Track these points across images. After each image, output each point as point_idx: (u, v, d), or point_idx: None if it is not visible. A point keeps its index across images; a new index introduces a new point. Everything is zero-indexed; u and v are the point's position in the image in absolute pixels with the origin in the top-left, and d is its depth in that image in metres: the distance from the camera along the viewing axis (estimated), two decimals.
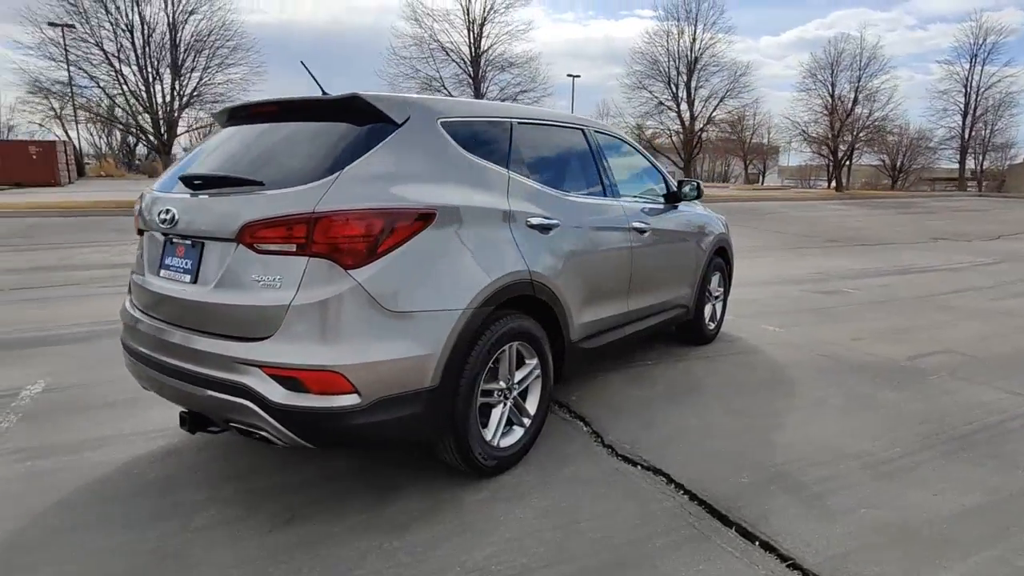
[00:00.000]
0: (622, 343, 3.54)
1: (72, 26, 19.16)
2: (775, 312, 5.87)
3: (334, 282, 2.02)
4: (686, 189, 4.05)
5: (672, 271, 4.03)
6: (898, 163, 42.37)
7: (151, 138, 21.67)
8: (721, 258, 4.73)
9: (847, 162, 34.70)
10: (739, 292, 6.70)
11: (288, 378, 2.02)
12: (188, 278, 2.27)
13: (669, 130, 27.00)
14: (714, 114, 26.12)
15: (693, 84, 25.61)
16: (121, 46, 19.72)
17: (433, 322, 2.19)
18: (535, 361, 2.74)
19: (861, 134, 31.80)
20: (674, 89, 25.85)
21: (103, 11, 19.08)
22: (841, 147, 31.84)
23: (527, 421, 2.74)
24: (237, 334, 2.11)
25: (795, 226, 15.51)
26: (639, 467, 2.72)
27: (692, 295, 4.30)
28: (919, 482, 2.59)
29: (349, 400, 2.03)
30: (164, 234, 2.39)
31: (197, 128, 22.26)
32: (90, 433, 3.04)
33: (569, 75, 52.56)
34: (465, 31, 22.51)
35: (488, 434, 2.52)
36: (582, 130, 3.40)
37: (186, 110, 21.99)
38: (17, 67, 19.24)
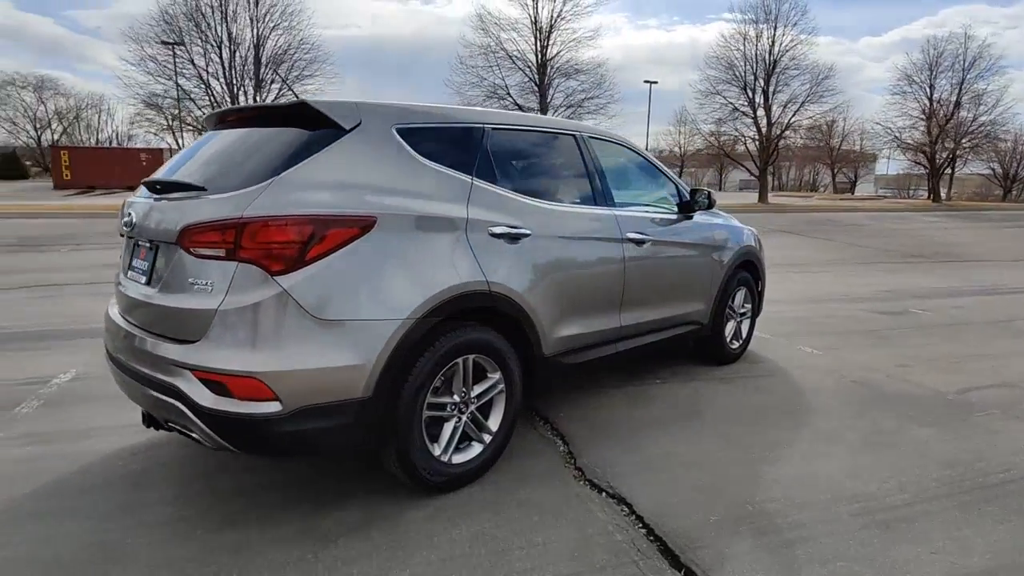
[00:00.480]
0: (617, 357, 3.36)
1: (181, 43, 20.74)
2: (821, 332, 5.43)
3: (260, 288, 2.01)
4: (699, 199, 3.81)
5: (681, 285, 3.79)
6: (1011, 172, 38.58)
7: None
8: (748, 273, 4.42)
9: (948, 171, 31.91)
10: (787, 309, 6.30)
11: (214, 382, 2.03)
12: (144, 279, 2.34)
13: (744, 137, 25.78)
14: (794, 120, 24.76)
15: (771, 89, 24.36)
16: (210, 61, 21.24)
17: (366, 332, 2.14)
18: (498, 375, 2.63)
19: (964, 140, 29.08)
20: (750, 94, 24.69)
21: (196, 30, 20.62)
22: (941, 154, 29.27)
23: (487, 437, 2.63)
24: (174, 336, 2.14)
25: (877, 239, 14.40)
26: (603, 494, 2.55)
27: (708, 311, 4.04)
28: (918, 536, 2.27)
29: (270, 407, 2.01)
30: (130, 237, 2.49)
31: None
32: (95, 423, 3.21)
33: (646, 81, 51.57)
34: (532, 38, 22.60)
35: (437, 449, 2.44)
36: (573, 136, 3.25)
37: None
38: (133, 82, 21.07)
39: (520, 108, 23.54)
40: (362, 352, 2.13)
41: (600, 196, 3.26)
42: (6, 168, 34.10)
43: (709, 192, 3.87)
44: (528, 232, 2.71)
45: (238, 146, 2.38)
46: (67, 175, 29.78)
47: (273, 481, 2.60)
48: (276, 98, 22.22)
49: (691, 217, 3.90)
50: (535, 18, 22.59)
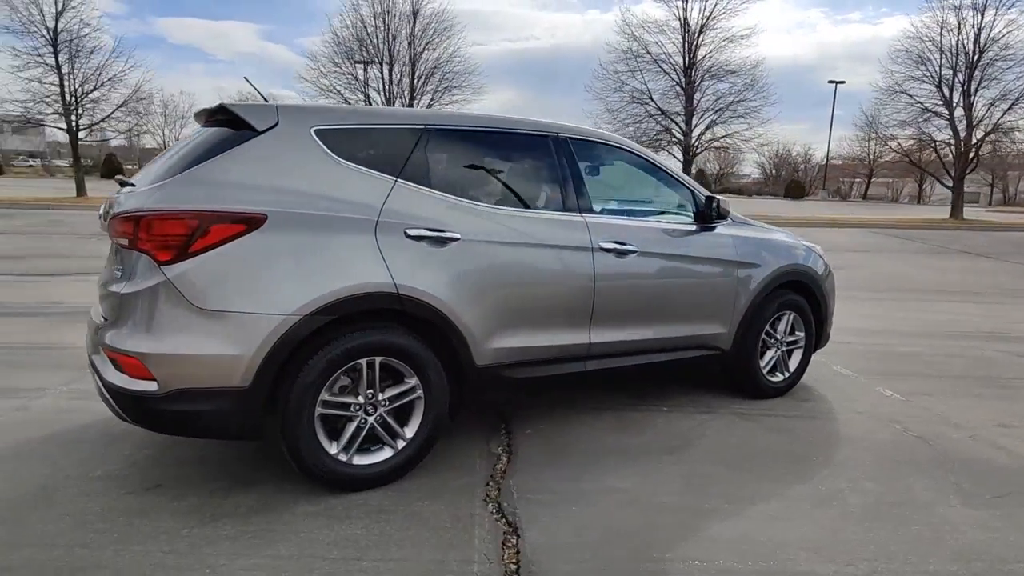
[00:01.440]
0: (589, 376, 3.10)
1: (373, 62, 23.00)
2: (924, 374, 4.52)
3: (149, 276, 2.18)
4: (712, 208, 3.38)
5: (686, 303, 3.38)
6: None
7: None
8: (800, 296, 3.82)
9: None
10: (897, 342, 5.39)
11: (113, 359, 2.24)
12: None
13: (934, 141, 21.86)
14: (1005, 120, 20.40)
15: (973, 85, 20.39)
16: (370, 76, 23.49)
17: (246, 325, 2.21)
18: (415, 381, 2.56)
19: None
20: (946, 91, 20.90)
21: (362, 50, 22.98)
22: None
23: (401, 444, 2.58)
24: (104, 317, 2.41)
25: None
26: (501, 520, 2.37)
27: (730, 335, 3.56)
28: None
29: (148, 386, 2.17)
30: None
31: None
32: None
33: (831, 81, 46.59)
34: (679, 39, 21.43)
35: (334, 447, 2.44)
36: (545, 137, 3.04)
37: None
38: (315, 96, 23.89)
39: (662, 112, 22.53)
40: (240, 343, 2.20)
41: (571, 202, 3.02)
42: None
43: (719, 201, 3.41)
44: (457, 236, 2.60)
45: (183, 145, 2.60)
46: None
47: (217, 455, 2.79)
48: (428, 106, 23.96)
49: (711, 228, 3.47)
50: (684, 19, 21.44)
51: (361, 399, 2.49)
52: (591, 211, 3.07)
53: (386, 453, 2.56)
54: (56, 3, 19.64)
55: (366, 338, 2.41)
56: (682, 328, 3.39)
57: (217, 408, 2.22)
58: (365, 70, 23.27)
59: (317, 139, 2.45)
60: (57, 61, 20.05)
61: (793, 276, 3.78)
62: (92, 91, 20.71)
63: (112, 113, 21.47)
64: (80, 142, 21.77)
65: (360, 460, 2.51)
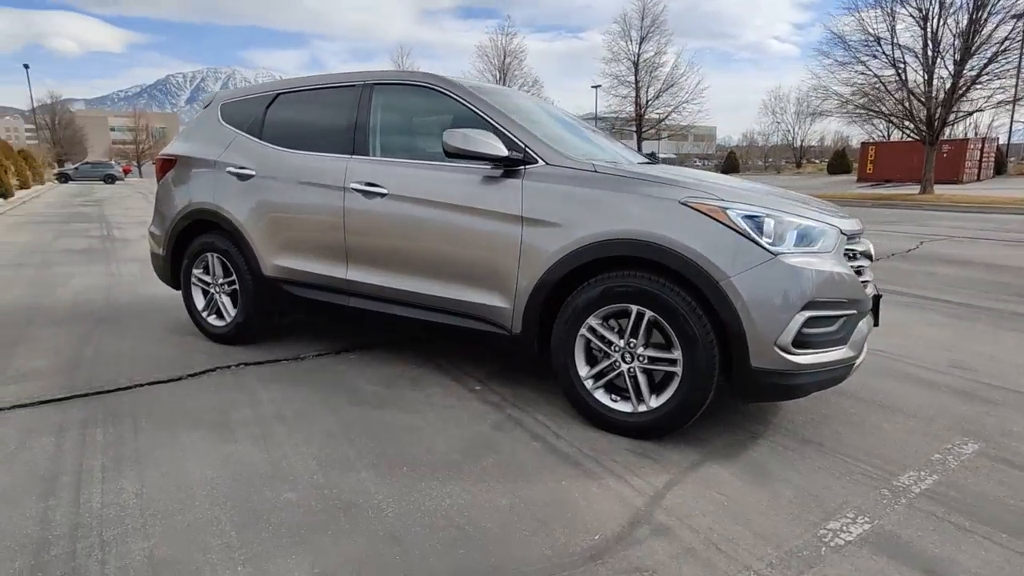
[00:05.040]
0: (354, 313, 3.24)
1: None
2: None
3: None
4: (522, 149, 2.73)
5: (452, 259, 2.86)
6: None
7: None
8: (669, 287, 2.41)
9: None
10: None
11: None
12: None
13: None
14: None
15: None
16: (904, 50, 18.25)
17: (163, 225, 3.92)
18: (233, 276, 3.66)
19: None
20: None
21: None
22: None
23: (228, 317, 3.73)
24: None
25: None
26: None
27: (515, 314, 2.73)
28: None
29: None
30: None
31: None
32: None
33: None
34: None
35: (211, 318, 3.85)
36: (356, 86, 3.25)
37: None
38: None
39: None
40: (163, 231, 3.93)
41: (355, 145, 3.19)
42: (837, 165, 39.43)
43: (527, 144, 2.74)
44: (252, 172, 3.47)
45: None
46: (870, 169, 31.80)
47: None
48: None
49: (515, 175, 2.73)
50: None
51: (210, 280, 3.80)
52: (365, 154, 3.16)
53: (226, 320, 3.77)
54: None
55: (205, 239, 3.71)
56: (450, 289, 2.90)
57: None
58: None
59: (219, 111, 3.85)
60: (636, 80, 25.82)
61: (638, 251, 2.41)
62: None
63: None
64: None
65: (216, 322, 3.83)
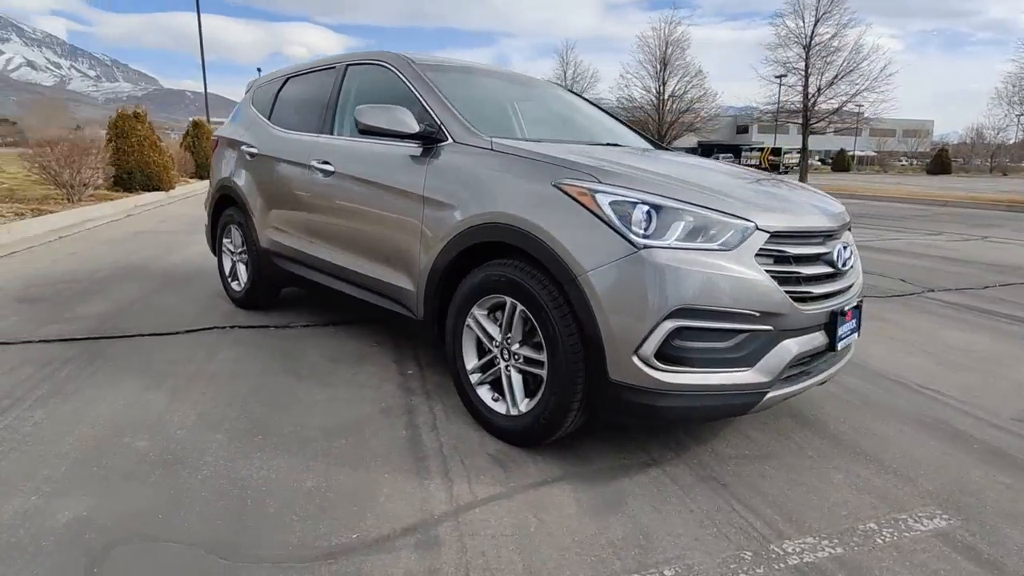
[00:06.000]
0: (336, 295, 3.34)
1: None
2: None
3: None
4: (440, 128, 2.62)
5: (373, 238, 2.84)
6: None
7: None
8: (535, 276, 2.16)
9: None
10: None
11: None
12: None
13: None
14: None
15: None
16: None
17: (207, 196, 4.38)
18: (241, 239, 4.00)
19: None
20: None
21: None
22: None
23: (242, 284, 4.09)
24: None
25: None
26: None
27: (418, 297, 2.62)
28: None
29: None
30: None
31: None
32: None
33: None
34: None
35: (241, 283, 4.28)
36: (334, 68, 3.34)
37: None
38: None
39: None
40: (207, 207, 4.41)
41: (327, 124, 3.27)
42: None
43: (443, 121, 2.62)
44: (256, 151, 3.74)
45: None
46: None
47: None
48: None
49: (431, 152, 2.61)
50: None
51: (231, 247, 4.18)
52: (330, 133, 3.24)
53: (238, 288, 4.14)
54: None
55: (228, 212, 4.10)
56: (373, 268, 2.87)
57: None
58: None
59: (251, 99, 4.19)
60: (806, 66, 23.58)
61: (505, 236, 2.17)
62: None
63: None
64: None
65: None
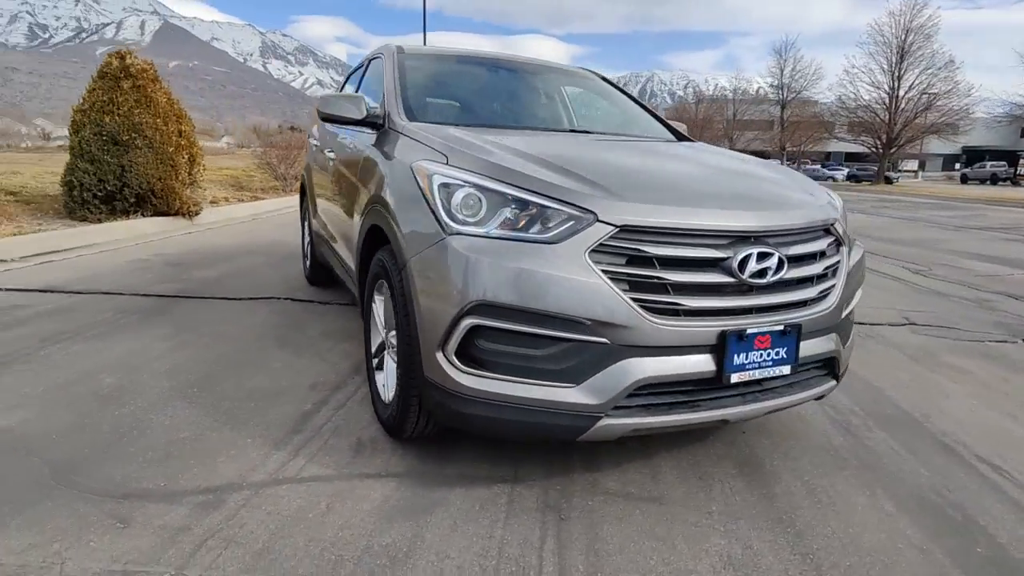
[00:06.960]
0: None
1: None
2: None
3: None
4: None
5: (345, 221, 2.96)
6: None
7: None
8: (386, 256, 2.10)
9: None
10: None
11: None
12: None
13: None
14: None
15: None
16: None
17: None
18: None
19: None
20: None
21: None
22: None
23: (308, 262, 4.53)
24: None
25: None
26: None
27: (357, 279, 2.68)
28: None
29: None
30: None
31: None
32: None
33: None
34: None
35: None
36: (362, 65, 3.53)
37: None
38: None
39: None
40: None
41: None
42: None
43: (388, 111, 2.60)
44: (318, 143, 4.12)
45: None
46: None
47: None
48: None
49: (378, 139, 2.64)
50: None
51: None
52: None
53: (307, 265, 4.61)
54: None
55: (305, 197, 4.57)
56: (342, 247, 3.00)
57: None
58: None
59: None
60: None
61: (375, 219, 2.14)
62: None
63: None
64: None
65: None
